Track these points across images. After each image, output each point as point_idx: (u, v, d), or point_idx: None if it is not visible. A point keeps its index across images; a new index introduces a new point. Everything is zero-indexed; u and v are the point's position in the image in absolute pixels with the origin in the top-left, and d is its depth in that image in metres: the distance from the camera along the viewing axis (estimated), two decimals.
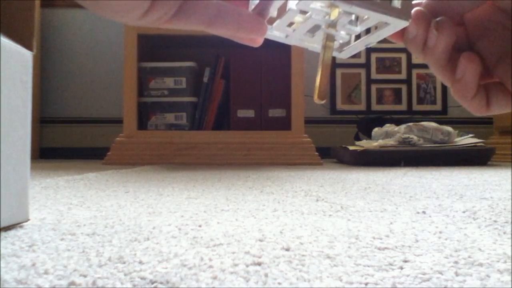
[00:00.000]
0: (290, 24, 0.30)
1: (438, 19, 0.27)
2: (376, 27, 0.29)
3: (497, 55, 0.28)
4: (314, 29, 0.29)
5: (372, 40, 0.29)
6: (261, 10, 0.28)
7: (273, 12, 0.29)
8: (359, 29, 0.29)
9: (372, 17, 0.27)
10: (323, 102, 0.28)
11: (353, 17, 0.29)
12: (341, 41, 0.31)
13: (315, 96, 0.28)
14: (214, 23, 0.26)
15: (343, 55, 0.32)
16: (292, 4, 0.27)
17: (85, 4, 0.24)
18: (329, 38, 0.28)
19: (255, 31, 0.27)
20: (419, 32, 0.28)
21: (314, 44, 0.31)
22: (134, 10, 0.24)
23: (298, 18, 0.29)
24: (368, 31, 0.29)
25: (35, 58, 0.46)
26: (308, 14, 0.28)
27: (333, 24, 0.28)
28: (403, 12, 0.26)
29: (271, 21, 0.29)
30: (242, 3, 0.29)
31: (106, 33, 2.36)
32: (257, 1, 0.29)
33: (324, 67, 0.28)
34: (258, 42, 0.30)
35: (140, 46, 1.80)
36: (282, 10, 0.28)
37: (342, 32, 0.29)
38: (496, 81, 0.29)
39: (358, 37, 0.30)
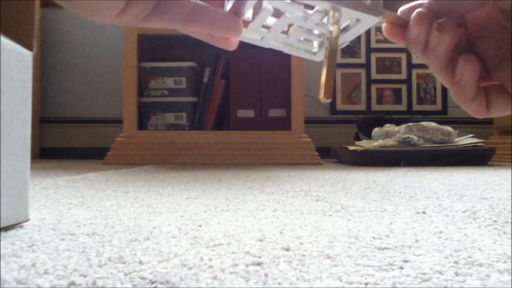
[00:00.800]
0: (265, 27, 0.30)
1: (440, 20, 0.27)
2: (345, 27, 0.29)
3: (497, 57, 0.28)
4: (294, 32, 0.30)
5: (345, 39, 0.30)
6: (236, 10, 0.29)
7: (248, 12, 0.29)
8: (331, 27, 0.29)
9: (343, 15, 0.27)
10: (329, 101, 0.28)
11: (325, 19, 0.29)
12: (316, 42, 0.31)
13: (321, 95, 0.28)
14: (189, 21, 0.26)
15: (317, 58, 0.32)
16: (266, 4, 0.28)
17: (62, 4, 0.25)
18: (334, 35, 0.28)
19: (230, 30, 0.28)
20: (420, 32, 0.28)
21: (289, 46, 0.31)
22: (109, 9, 0.24)
23: (272, 20, 0.29)
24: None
25: (35, 58, 0.46)
26: (282, 14, 0.28)
27: (337, 21, 0.28)
28: (373, 8, 0.27)
29: (247, 24, 0.29)
30: (217, 3, 0.30)
31: (106, 33, 2.36)
32: (232, 2, 0.29)
33: (330, 65, 0.28)
34: (232, 43, 0.31)
35: (140, 46, 1.80)
36: (257, 12, 0.29)
37: (316, 32, 0.30)
38: (497, 83, 0.29)
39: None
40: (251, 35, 0.30)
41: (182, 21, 0.26)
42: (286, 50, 0.31)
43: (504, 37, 0.28)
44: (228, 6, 0.30)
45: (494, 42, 0.28)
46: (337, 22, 0.28)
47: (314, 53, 0.31)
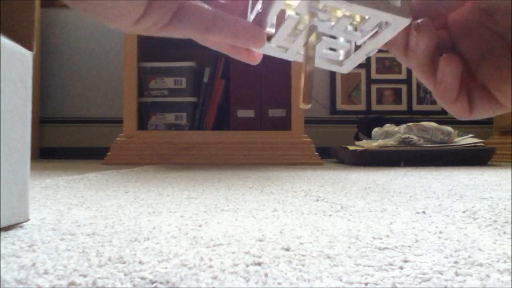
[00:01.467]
0: (289, 38, 0.29)
1: (418, 21, 0.27)
2: (373, 35, 0.28)
3: (479, 57, 0.28)
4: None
5: (372, 46, 0.28)
6: (259, 20, 0.28)
7: (271, 22, 0.28)
8: (359, 34, 0.28)
9: (372, 17, 0.26)
10: (309, 106, 0.27)
11: (349, 27, 0.28)
12: (342, 51, 0.30)
13: (300, 101, 0.27)
14: (210, 30, 0.25)
15: (344, 70, 0.30)
16: (291, 12, 0.27)
17: (77, 6, 0.24)
18: (310, 34, 0.27)
19: (253, 40, 0.27)
20: (399, 34, 0.27)
21: (316, 59, 0.29)
22: (128, 14, 0.23)
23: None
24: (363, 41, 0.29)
25: (35, 58, 0.46)
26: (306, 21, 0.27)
27: (313, 19, 0.27)
28: (403, 10, 0.25)
29: (269, 38, 0.29)
30: (239, 13, 0.29)
31: (106, 33, 2.36)
32: (255, 12, 0.28)
33: (307, 71, 0.27)
34: (256, 57, 0.30)
35: (140, 46, 1.80)
36: (280, 24, 0.28)
37: (341, 39, 0.28)
38: (479, 84, 0.28)
39: (357, 48, 0.29)
40: (275, 47, 0.29)
41: (202, 30, 0.25)
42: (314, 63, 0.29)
43: (485, 36, 0.27)
44: (251, 17, 0.29)
45: (476, 42, 0.28)
46: (314, 17, 0.27)
47: (341, 63, 0.30)
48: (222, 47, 0.29)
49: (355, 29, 0.28)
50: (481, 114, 0.28)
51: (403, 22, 0.26)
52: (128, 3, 0.23)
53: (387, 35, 0.27)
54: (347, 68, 0.30)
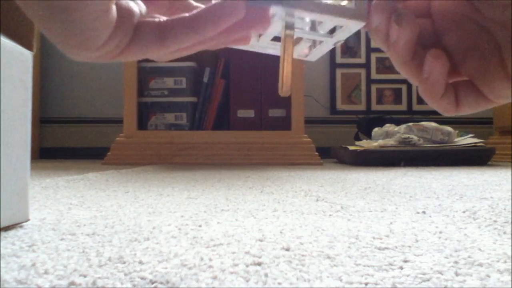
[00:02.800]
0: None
1: (398, 12, 0.25)
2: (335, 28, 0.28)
3: (464, 51, 0.27)
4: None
5: (332, 42, 0.28)
6: None
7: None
8: (318, 34, 0.28)
9: (327, 21, 0.26)
10: (287, 94, 0.27)
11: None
12: (308, 44, 0.30)
13: (279, 90, 0.27)
14: (166, 37, 0.23)
15: (311, 58, 0.31)
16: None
17: (46, 32, 0.22)
18: (288, 27, 0.27)
19: (231, 13, 0.23)
20: (380, 23, 0.26)
21: (278, 51, 0.29)
22: (97, 36, 0.22)
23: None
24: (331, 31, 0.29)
25: (35, 58, 0.46)
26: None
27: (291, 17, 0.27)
28: (357, 13, 0.26)
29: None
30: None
31: None
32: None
33: (286, 60, 0.27)
34: (246, 36, 0.26)
35: None
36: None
37: (306, 36, 0.29)
38: (465, 79, 0.27)
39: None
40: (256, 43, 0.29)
41: (158, 41, 0.23)
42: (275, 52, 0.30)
43: (471, 30, 0.26)
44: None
45: (461, 36, 0.26)
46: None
47: (306, 56, 0.31)
48: (208, 43, 0.26)
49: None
50: (468, 109, 0.27)
51: (358, 25, 0.26)
52: (105, 17, 0.21)
53: (345, 34, 0.27)
54: (312, 57, 0.31)
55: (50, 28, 0.21)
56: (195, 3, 0.27)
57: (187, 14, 0.23)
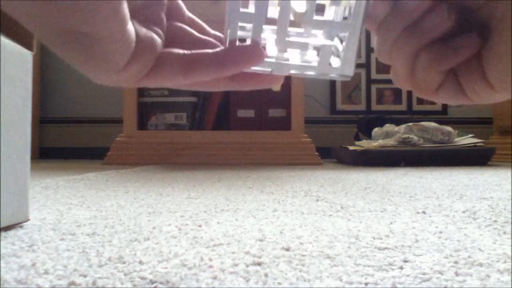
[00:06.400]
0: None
1: (394, 36, 0.25)
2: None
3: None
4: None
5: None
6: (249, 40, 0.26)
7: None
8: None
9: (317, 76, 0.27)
10: (278, 90, 0.28)
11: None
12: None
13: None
14: (191, 70, 0.24)
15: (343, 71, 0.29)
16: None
17: (63, 54, 0.22)
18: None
19: (249, 56, 0.25)
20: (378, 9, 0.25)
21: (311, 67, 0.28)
22: (116, 58, 0.22)
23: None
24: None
25: (35, 58, 0.46)
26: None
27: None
28: (342, 71, 0.26)
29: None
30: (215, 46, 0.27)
31: None
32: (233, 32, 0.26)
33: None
34: (277, 77, 0.27)
35: None
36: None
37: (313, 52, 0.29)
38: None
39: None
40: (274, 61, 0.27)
41: (183, 72, 0.24)
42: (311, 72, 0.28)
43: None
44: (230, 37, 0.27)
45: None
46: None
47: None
48: (228, 83, 0.27)
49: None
50: (444, 97, 0.26)
51: (345, 78, 0.27)
52: (121, 42, 0.22)
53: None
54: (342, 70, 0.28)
55: (66, 52, 0.22)
56: (217, 43, 0.28)
57: (210, 51, 0.25)
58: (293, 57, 0.28)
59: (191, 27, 0.28)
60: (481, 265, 0.31)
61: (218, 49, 0.25)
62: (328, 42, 0.27)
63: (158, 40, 0.24)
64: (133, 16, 0.23)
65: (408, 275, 0.29)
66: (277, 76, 0.27)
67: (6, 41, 0.41)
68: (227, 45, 0.26)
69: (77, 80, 2.37)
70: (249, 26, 0.26)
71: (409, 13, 0.25)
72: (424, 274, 0.29)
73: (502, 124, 2.08)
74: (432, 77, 0.25)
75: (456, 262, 0.32)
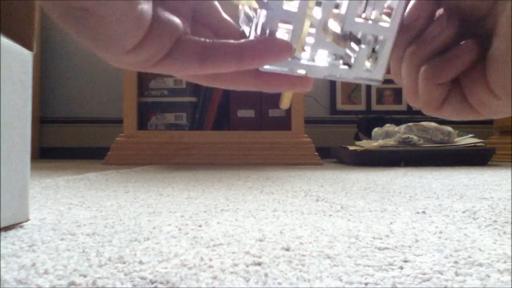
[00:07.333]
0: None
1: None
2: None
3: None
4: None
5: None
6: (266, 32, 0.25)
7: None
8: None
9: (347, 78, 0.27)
10: (287, 107, 0.27)
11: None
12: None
13: (280, 103, 0.28)
14: (209, 59, 0.23)
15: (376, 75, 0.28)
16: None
17: (67, 27, 0.21)
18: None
19: (276, 49, 0.23)
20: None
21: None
22: (125, 38, 0.21)
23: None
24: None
25: (35, 58, 0.46)
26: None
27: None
28: (373, 75, 0.26)
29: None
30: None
31: None
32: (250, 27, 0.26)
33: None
34: (308, 80, 0.26)
35: None
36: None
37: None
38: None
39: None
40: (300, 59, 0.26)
41: (199, 61, 0.22)
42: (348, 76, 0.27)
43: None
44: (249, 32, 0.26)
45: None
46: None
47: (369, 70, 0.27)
48: (252, 80, 0.26)
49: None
50: (450, 111, 0.25)
51: (376, 83, 0.27)
52: (130, 22, 0.20)
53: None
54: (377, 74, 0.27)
55: (74, 29, 0.21)
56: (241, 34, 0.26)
57: (233, 41, 0.23)
58: (321, 60, 0.27)
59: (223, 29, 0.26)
60: (481, 265, 0.31)
61: (242, 40, 0.23)
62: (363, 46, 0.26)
63: (180, 24, 0.22)
64: (158, 4, 0.22)
65: (408, 275, 0.29)
66: (308, 79, 0.26)
67: (6, 41, 0.41)
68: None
69: (77, 80, 2.37)
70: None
71: (411, 25, 0.25)
72: (424, 274, 0.29)
73: (502, 124, 2.08)
74: (434, 91, 0.25)
75: (456, 262, 0.32)
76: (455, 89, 0.25)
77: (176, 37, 0.22)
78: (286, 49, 0.23)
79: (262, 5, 0.23)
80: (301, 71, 0.26)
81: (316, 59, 0.26)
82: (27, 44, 0.44)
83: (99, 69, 2.36)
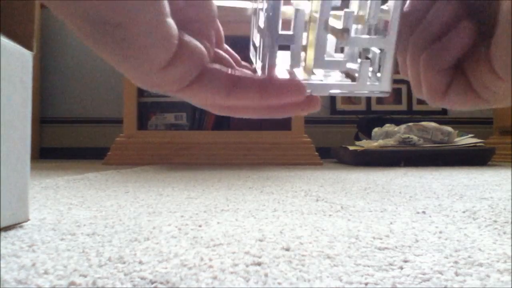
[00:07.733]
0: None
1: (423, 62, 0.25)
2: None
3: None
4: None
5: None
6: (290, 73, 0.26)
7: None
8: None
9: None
10: None
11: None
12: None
13: None
14: (233, 91, 0.23)
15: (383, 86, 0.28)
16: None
17: (95, 47, 0.20)
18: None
19: (293, 93, 0.24)
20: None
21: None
22: (157, 54, 0.21)
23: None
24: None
25: (35, 58, 0.46)
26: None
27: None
28: (380, 87, 0.26)
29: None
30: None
31: None
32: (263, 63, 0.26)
33: None
34: (316, 101, 0.26)
35: None
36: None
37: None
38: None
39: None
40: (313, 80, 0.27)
41: (225, 93, 0.23)
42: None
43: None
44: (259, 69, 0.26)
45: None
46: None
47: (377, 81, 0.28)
48: (265, 111, 0.26)
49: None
50: (455, 99, 0.25)
51: (384, 94, 0.27)
52: (159, 34, 0.20)
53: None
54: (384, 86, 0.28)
55: (106, 47, 0.20)
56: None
57: (255, 76, 0.24)
58: (320, 76, 0.27)
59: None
60: (481, 265, 0.31)
61: (264, 76, 0.25)
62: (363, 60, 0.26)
63: (204, 50, 0.23)
64: (182, 28, 0.22)
65: (408, 275, 0.29)
66: (315, 99, 0.26)
67: (6, 41, 0.41)
68: (265, 72, 0.25)
69: (77, 80, 2.37)
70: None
71: (410, 12, 0.25)
72: (424, 274, 0.29)
73: (502, 124, 2.08)
74: (435, 78, 0.24)
75: (456, 262, 0.32)
76: (458, 77, 0.25)
77: (205, 61, 0.23)
78: (300, 91, 0.24)
79: (260, 31, 0.24)
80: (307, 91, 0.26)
81: (322, 77, 0.27)
82: (27, 44, 0.44)
83: (99, 69, 2.36)
